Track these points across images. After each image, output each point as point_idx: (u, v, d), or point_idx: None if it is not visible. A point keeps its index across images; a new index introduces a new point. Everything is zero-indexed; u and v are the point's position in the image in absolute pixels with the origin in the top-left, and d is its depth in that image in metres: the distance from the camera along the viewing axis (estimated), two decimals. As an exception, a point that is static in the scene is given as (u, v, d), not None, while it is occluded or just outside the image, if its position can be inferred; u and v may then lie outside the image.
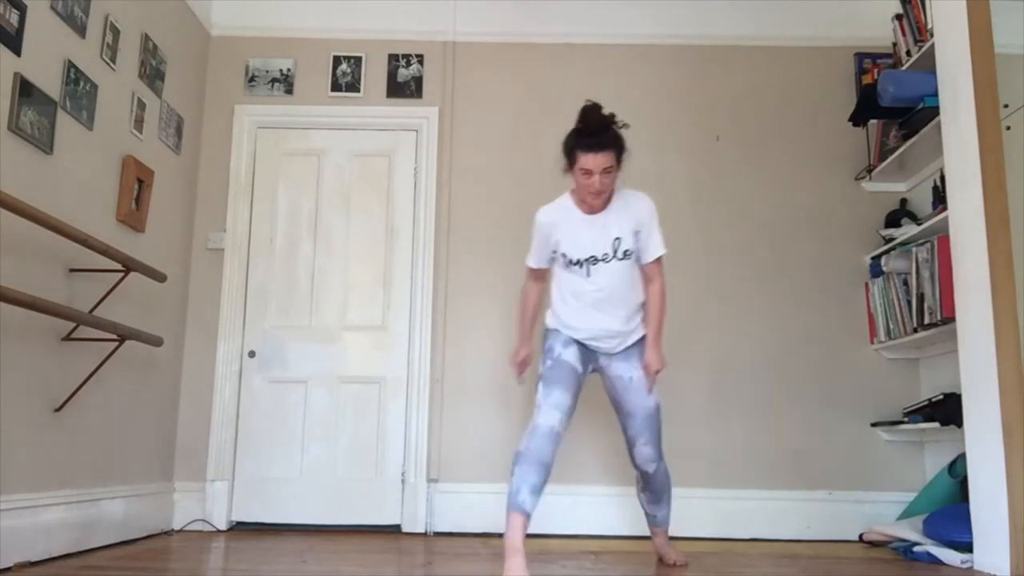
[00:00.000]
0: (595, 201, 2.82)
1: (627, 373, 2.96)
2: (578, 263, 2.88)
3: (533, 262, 3.02)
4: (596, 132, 2.73)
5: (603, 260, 2.87)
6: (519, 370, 3.11)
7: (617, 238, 2.86)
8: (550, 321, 3.00)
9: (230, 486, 4.09)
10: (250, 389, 4.19)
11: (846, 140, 4.35)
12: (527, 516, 2.68)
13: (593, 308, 2.91)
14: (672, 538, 3.93)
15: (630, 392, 2.95)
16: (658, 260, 2.94)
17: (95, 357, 3.22)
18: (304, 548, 3.39)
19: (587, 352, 2.97)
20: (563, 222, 2.89)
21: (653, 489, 3.09)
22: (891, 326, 3.96)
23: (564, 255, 2.90)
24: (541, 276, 3.06)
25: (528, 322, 3.11)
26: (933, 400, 3.75)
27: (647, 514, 3.20)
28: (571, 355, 2.91)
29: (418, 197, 4.33)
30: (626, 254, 2.88)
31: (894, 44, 4.12)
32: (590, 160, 2.72)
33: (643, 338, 2.99)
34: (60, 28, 3.07)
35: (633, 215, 2.89)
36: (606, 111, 2.77)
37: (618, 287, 2.90)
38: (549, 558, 3.22)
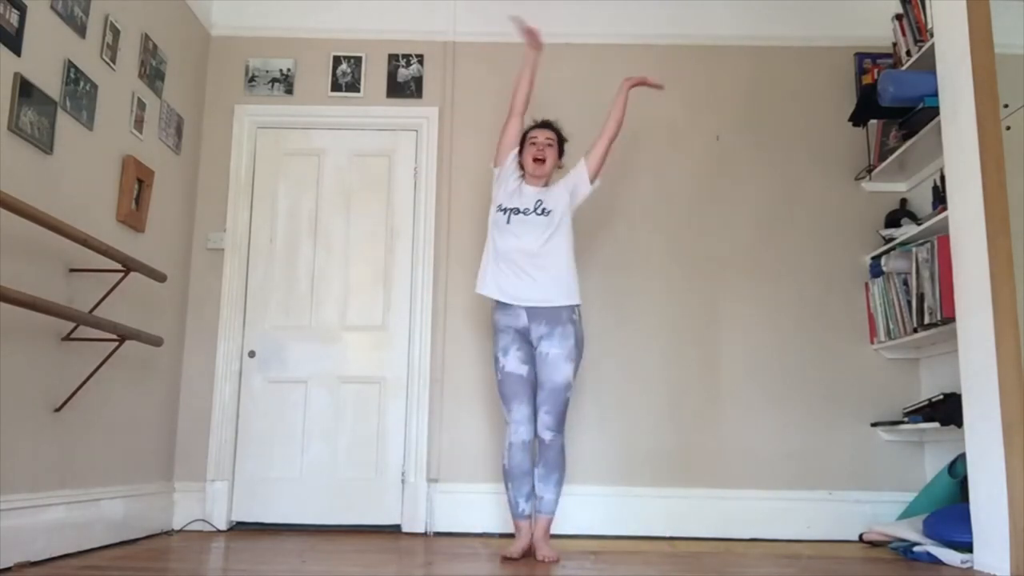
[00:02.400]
0: (538, 169, 3.40)
1: (547, 349, 3.27)
2: (502, 209, 3.39)
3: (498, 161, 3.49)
4: (545, 121, 3.54)
5: (523, 212, 3.35)
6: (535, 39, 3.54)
7: (539, 200, 3.37)
8: (486, 287, 3.36)
9: (230, 486, 4.09)
10: (250, 389, 4.19)
11: (846, 140, 4.35)
12: (529, 517, 3.29)
13: (516, 267, 3.30)
14: (673, 538, 3.95)
15: (545, 366, 3.27)
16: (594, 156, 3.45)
17: (95, 357, 3.22)
18: (304, 548, 3.39)
19: (524, 340, 3.31)
20: (510, 175, 3.46)
21: (546, 461, 3.26)
22: (891, 326, 3.96)
23: (501, 195, 3.42)
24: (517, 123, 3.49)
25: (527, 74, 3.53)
26: (933, 400, 3.75)
27: (536, 496, 3.28)
28: (514, 363, 3.29)
29: (418, 197, 4.33)
30: (544, 211, 3.34)
31: (894, 44, 4.12)
32: (536, 132, 3.47)
33: (572, 318, 3.30)
34: (60, 28, 3.07)
35: (561, 182, 3.43)
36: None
37: (533, 241, 3.31)
38: (549, 558, 3.22)
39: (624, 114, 3.51)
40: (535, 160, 3.40)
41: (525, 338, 3.31)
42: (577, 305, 3.32)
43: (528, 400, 3.27)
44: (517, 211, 3.35)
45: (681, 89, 4.41)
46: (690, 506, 4.01)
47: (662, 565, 3.11)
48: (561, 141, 3.51)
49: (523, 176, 3.46)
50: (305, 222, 4.33)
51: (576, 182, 3.42)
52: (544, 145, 3.42)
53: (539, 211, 3.34)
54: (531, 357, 3.30)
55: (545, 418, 3.25)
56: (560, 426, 3.27)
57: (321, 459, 4.12)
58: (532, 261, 3.29)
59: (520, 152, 3.46)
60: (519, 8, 4.49)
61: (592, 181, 3.44)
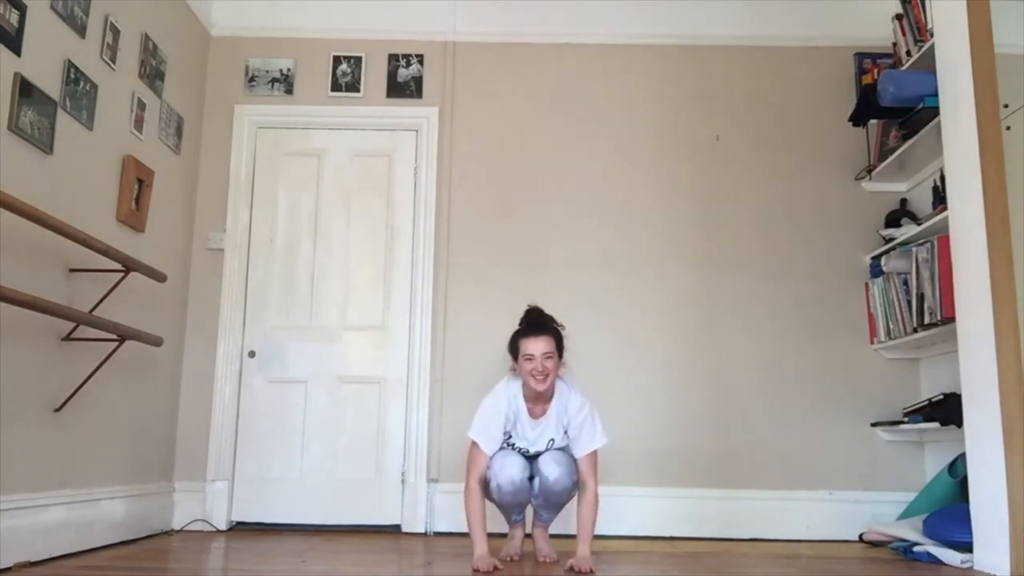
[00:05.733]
0: (540, 386, 2.97)
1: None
2: (514, 447, 3.11)
3: (480, 438, 3.02)
4: (536, 323, 3.07)
5: (536, 453, 3.10)
6: (493, 566, 2.85)
7: (551, 439, 3.09)
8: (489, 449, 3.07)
9: (230, 486, 4.09)
10: (250, 389, 4.19)
11: (846, 140, 4.35)
12: (523, 520, 3.24)
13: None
14: (673, 538, 3.95)
15: (538, 462, 3.10)
16: (591, 457, 3.05)
17: (95, 357, 3.22)
18: (304, 548, 3.39)
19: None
20: (516, 414, 3.07)
21: (548, 498, 3.09)
22: (891, 326, 3.96)
23: (511, 440, 3.10)
24: (484, 472, 3.01)
25: (482, 527, 2.95)
26: (933, 400, 3.75)
27: (535, 512, 3.21)
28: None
29: (418, 197, 4.33)
30: (554, 445, 3.10)
31: (894, 44, 4.12)
32: (532, 344, 2.99)
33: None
34: (60, 28, 3.06)
35: (565, 417, 3.08)
36: (547, 313, 3.11)
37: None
38: (549, 558, 3.22)
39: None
40: (534, 377, 2.97)
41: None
42: None
43: (520, 457, 3.08)
44: (528, 451, 3.11)
45: (681, 89, 4.42)
46: (690, 506, 4.01)
47: (662, 565, 3.11)
48: (561, 345, 3.05)
49: (523, 398, 3.07)
50: (305, 222, 4.33)
51: (571, 439, 3.09)
52: (543, 359, 2.97)
53: (551, 448, 3.10)
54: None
55: (548, 455, 3.08)
56: (569, 468, 3.04)
57: (321, 459, 4.12)
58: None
59: (515, 359, 3.06)
60: (519, 8, 4.51)
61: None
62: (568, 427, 3.08)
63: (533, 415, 3.08)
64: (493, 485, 3.01)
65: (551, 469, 3.02)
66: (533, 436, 3.09)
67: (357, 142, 4.41)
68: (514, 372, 3.10)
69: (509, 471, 2.99)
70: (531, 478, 3.09)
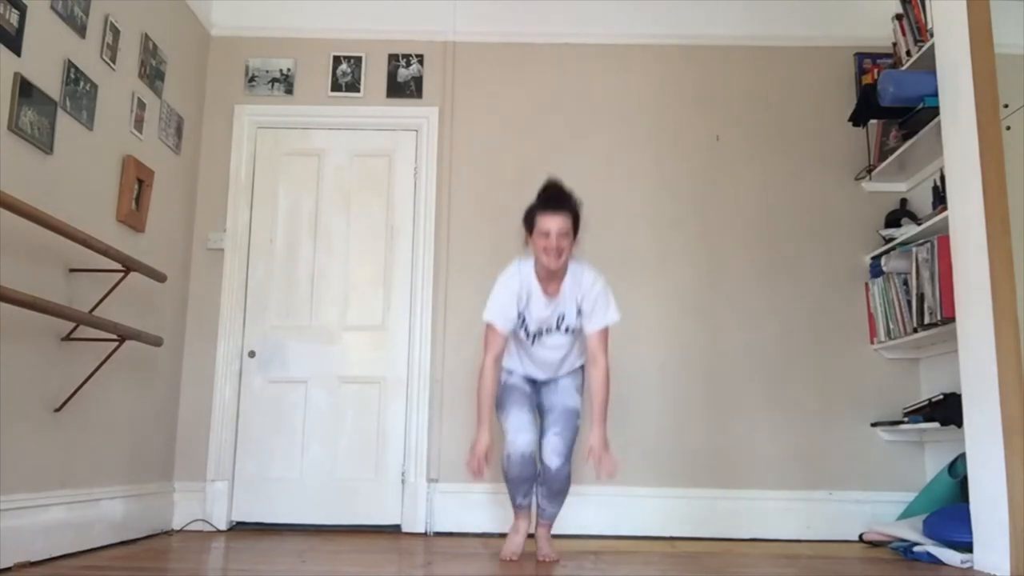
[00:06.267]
0: (554, 263, 2.92)
1: (557, 380, 3.19)
2: (527, 332, 3.08)
3: (500, 322, 3.01)
4: (555, 199, 2.97)
5: (547, 333, 3.08)
6: (480, 465, 2.95)
7: (562, 315, 3.05)
8: (510, 363, 3.18)
9: (230, 486, 4.09)
10: (250, 389, 4.19)
11: (846, 140, 4.35)
12: (527, 509, 3.19)
13: (534, 364, 3.16)
14: (673, 538, 3.95)
15: (554, 392, 3.17)
16: (603, 333, 3.04)
17: (95, 357, 3.22)
18: (304, 548, 3.39)
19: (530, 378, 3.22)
20: (528, 292, 3.04)
21: (551, 488, 3.11)
22: (891, 326, 3.96)
23: (524, 323, 3.06)
24: (501, 352, 3.05)
25: (489, 408, 3.03)
26: (933, 400, 3.75)
27: (538, 506, 3.22)
28: (517, 379, 3.18)
29: (418, 197, 4.33)
30: (567, 330, 3.07)
31: (894, 44, 4.12)
32: (549, 221, 2.92)
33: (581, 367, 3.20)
34: (60, 28, 3.06)
35: (578, 292, 3.04)
36: (567, 188, 3.00)
37: (558, 352, 3.13)
38: (549, 558, 3.22)
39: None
40: (547, 254, 2.92)
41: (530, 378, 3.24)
42: None
43: (529, 407, 3.10)
44: (540, 333, 3.07)
45: (681, 89, 4.42)
46: (690, 506, 4.01)
47: (662, 565, 3.11)
48: (578, 224, 2.99)
49: (536, 275, 3.03)
50: (305, 222, 4.33)
51: (583, 313, 3.05)
52: (559, 237, 2.91)
53: (562, 329, 3.06)
54: (535, 386, 3.22)
55: (554, 440, 3.05)
56: (569, 454, 3.08)
57: (321, 459, 4.12)
58: (552, 365, 3.16)
59: (529, 232, 3.02)
60: (519, 8, 4.51)
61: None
62: (582, 302, 3.02)
63: (547, 293, 3.02)
64: (504, 454, 3.02)
65: (553, 460, 3.03)
66: (546, 314, 3.04)
67: (357, 142, 4.41)
68: (527, 247, 3.05)
69: (520, 446, 2.98)
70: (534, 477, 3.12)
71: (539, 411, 3.21)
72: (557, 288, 3.03)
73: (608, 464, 2.95)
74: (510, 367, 3.19)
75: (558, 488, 3.12)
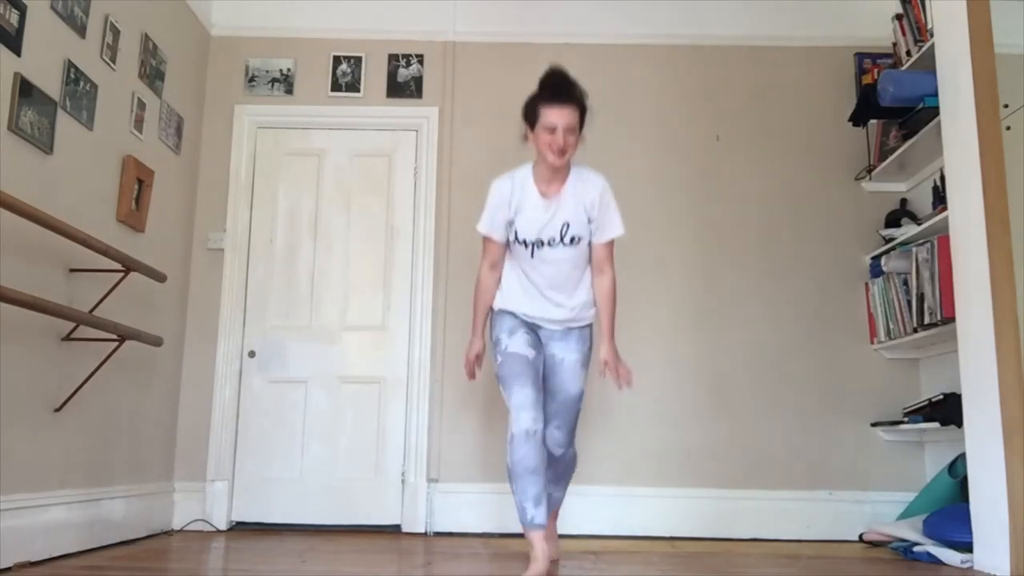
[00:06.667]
0: (559, 160, 2.69)
1: (560, 354, 2.94)
2: (524, 243, 2.85)
3: (486, 228, 2.88)
4: (561, 89, 2.71)
5: (549, 245, 2.83)
6: (472, 367, 3.02)
7: (566, 223, 2.81)
8: (497, 301, 2.98)
9: (230, 486, 4.09)
10: (250, 389, 4.19)
11: (846, 140, 4.35)
12: (543, 527, 2.73)
13: (539, 294, 2.91)
14: (674, 538, 3.95)
15: (558, 373, 2.94)
16: (609, 245, 2.90)
17: (95, 357, 3.22)
18: (304, 548, 3.39)
19: (533, 330, 2.96)
20: (521, 197, 2.83)
21: (556, 470, 3.04)
22: (891, 326, 3.96)
23: (516, 231, 2.85)
24: (497, 259, 2.94)
25: (483, 315, 2.99)
26: (933, 400, 3.75)
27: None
28: (519, 344, 2.86)
29: (418, 197, 4.33)
30: (573, 240, 2.83)
31: (894, 44, 4.12)
32: (554, 114, 2.67)
33: (589, 326, 3.02)
34: (60, 28, 3.06)
35: (585, 199, 2.82)
36: (572, 77, 2.73)
37: (563, 271, 2.88)
38: (549, 558, 3.21)
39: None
40: (551, 150, 2.70)
41: (534, 329, 2.96)
42: None
43: (533, 383, 2.80)
44: (541, 244, 2.83)
45: (681, 89, 4.42)
46: (690, 506, 4.01)
47: (662, 565, 3.11)
48: (583, 115, 2.77)
49: (533, 177, 2.85)
50: (305, 222, 4.33)
51: (593, 222, 2.87)
52: (565, 133, 2.68)
53: (566, 240, 2.83)
54: (538, 344, 2.94)
55: (556, 433, 2.96)
56: (572, 440, 3.01)
57: (321, 459, 4.12)
58: (561, 291, 2.91)
59: (531, 127, 2.79)
60: (519, 8, 4.51)
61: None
62: (591, 210, 2.81)
63: (545, 195, 2.79)
64: (507, 437, 2.76)
65: (556, 451, 3.01)
66: (544, 219, 2.80)
67: (357, 142, 4.41)
68: (526, 143, 2.82)
69: (524, 423, 2.71)
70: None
71: (544, 389, 2.97)
72: (558, 189, 2.79)
73: (624, 373, 2.89)
74: (512, 306, 2.94)
75: (563, 469, 3.08)
